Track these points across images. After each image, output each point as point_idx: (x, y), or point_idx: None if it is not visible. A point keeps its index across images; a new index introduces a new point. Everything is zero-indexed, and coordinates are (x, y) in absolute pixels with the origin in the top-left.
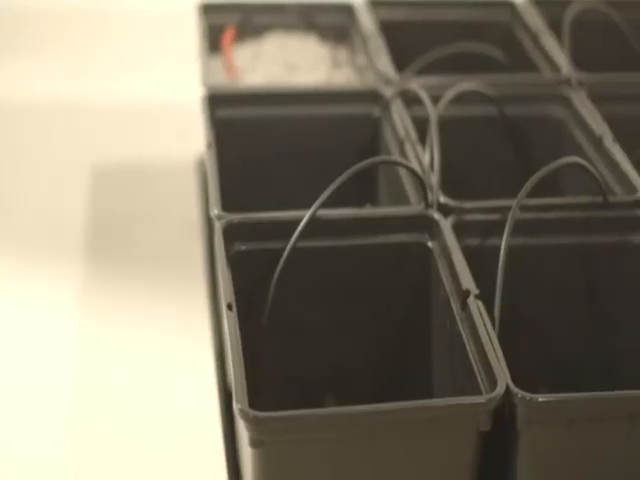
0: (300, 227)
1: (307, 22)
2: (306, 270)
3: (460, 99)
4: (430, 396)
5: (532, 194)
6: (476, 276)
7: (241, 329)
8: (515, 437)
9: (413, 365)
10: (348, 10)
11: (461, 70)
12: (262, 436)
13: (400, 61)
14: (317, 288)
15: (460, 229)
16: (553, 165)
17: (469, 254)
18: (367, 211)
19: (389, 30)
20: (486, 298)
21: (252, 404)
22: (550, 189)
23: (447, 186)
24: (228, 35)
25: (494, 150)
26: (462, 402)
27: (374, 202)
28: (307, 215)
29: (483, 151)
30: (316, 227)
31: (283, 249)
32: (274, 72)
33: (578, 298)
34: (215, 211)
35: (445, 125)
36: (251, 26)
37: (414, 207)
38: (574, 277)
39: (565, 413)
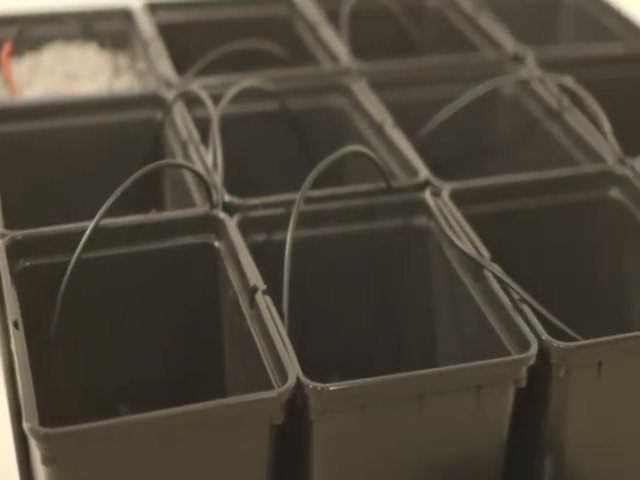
0: (84, 238)
1: (86, 31)
2: (95, 281)
3: (242, 97)
4: (224, 396)
5: (318, 185)
6: (265, 272)
7: (32, 346)
8: (309, 428)
9: (207, 367)
10: (127, 15)
11: (243, 68)
12: (53, 453)
13: (182, 63)
14: (107, 298)
15: (246, 226)
16: (334, 156)
17: (257, 250)
18: (153, 216)
19: (169, 33)
20: (276, 293)
21: (47, 421)
22: (337, 179)
23: (234, 185)
24: (5, 50)
25: (279, 145)
26: (253, 398)
27: (161, 207)
28: (90, 226)
29: (268, 147)
30: (102, 236)
31: (69, 262)
32: (54, 84)
33: (366, 284)
34: None
35: (228, 124)
36: (29, 39)
37: (199, 208)
38: (361, 264)
39: (357, 399)
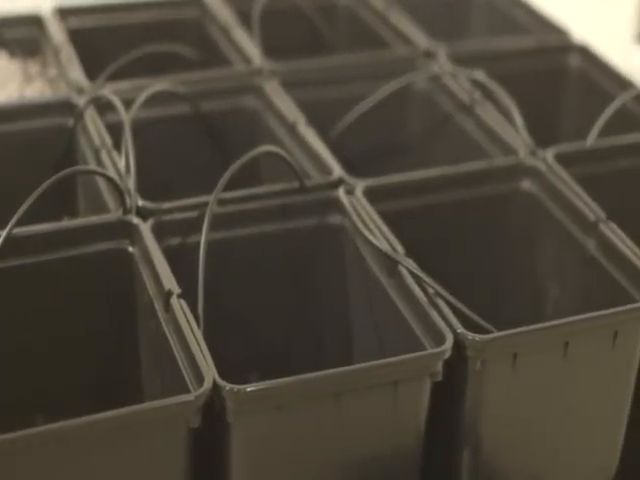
0: None
1: None
2: (10, 291)
3: (154, 100)
4: (142, 401)
5: (234, 187)
6: (181, 275)
7: None
8: (227, 430)
9: (124, 372)
10: (37, 22)
11: (155, 72)
12: None
13: (94, 69)
14: (23, 308)
15: (160, 231)
16: (246, 157)
17: (172, 254)
18: (65, 224)
19: (80, 38)
20: (193, 296)
21: None
22: (252, 180)
23: (149, 189)
24: None
25: (193, 148)
26: (169, 403)
27: (75, 214)
28: (3, 235)
29: (183, 150)
30: (14, 245)
31: None
32: None
33: (282, 284)
34: None
35: (141, 128)
36: None
37: (112, 214)
38: (277, 264)
39: (273, 400)
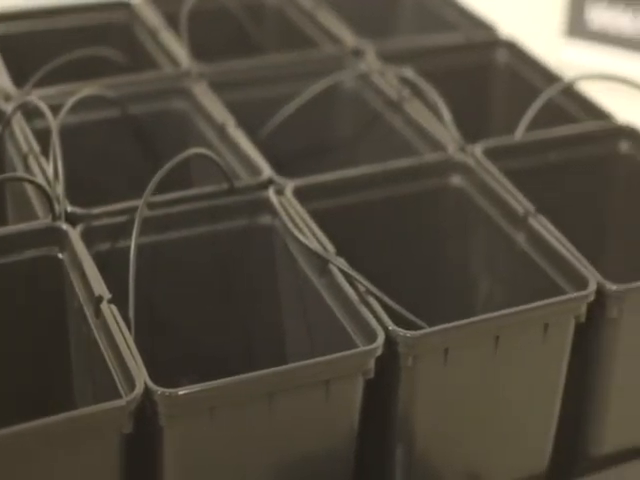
0: None
1: None
2: None
3: (83, 105)
4: (74, 407)
5: (166, 190)
6: (112, 280)
7: None
8: (160, 434)
9: (55, 379)
10: None
11: (84, 76)
12: None
13: (22, 75)
14: None
15: (90, 236)
16: (175, 160)
17: (102, 259)
18: None
19: (6, 45)
20: (124, 301)
21: None
22: (183, 183)
23: (79, 195)
24: None
25: (124, 152)
26: (100, 409)
27: (3, 222)
28: None
29: (113, 154)
30: None
31: None
32: None
33: (214, 286)
34: None
35: (70, 133)
36: None
37: (41, 221)
38: (208, 266)
39: (205, 402)
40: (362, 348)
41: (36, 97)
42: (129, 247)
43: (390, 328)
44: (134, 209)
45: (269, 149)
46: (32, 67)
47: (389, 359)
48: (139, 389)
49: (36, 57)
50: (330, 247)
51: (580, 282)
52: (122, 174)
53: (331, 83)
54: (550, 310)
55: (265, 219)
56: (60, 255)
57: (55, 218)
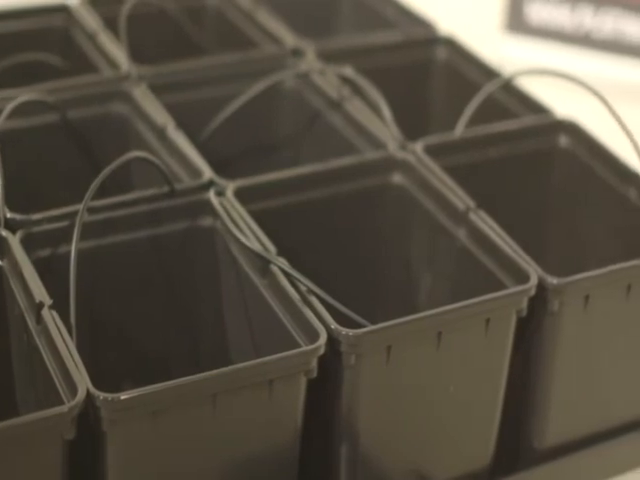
0: None
1: None
2: None
3: (21, 111)
4: (16, 415)
5: (107, 195)
6: (53, 286)
7: None
8: (103, 439)
9: None
10: None
11: (23, 82)
12: None
13: None
14: None
15: (30, 242)
16: (114, 164)
17: (42, 266)
18: None
19: None
20: (66, 307)
21: None
22: (126, 187)
23: (18, 201)
24: None
25: (64, 157)
26: (42, 416)
27: None
28: None
29: (53, 160)
30: None
31: None
32: None
33: (157, 290)
34: None
35: (9, 140)
36: None
37: None
38: (151, 270)
39: (149, 406)
40: (304, 347)
41: None
42: (69, 252)
43: (332, 327)
44: (74, 214)
45: (210, 151)
46: None
47: (332, 358)
48: (81, 395)
49: None
50: (271, 247)
51: (521, 276)
52: (62, 179)
53: (271, 83)
54: (492, 305)
55: (206, 221)
56: (0, 262)
57: None
